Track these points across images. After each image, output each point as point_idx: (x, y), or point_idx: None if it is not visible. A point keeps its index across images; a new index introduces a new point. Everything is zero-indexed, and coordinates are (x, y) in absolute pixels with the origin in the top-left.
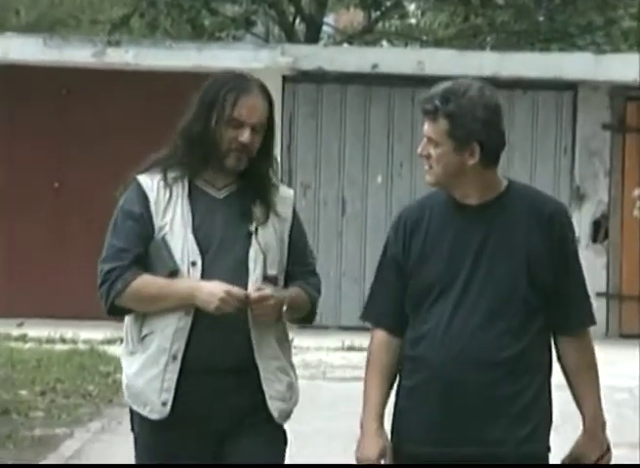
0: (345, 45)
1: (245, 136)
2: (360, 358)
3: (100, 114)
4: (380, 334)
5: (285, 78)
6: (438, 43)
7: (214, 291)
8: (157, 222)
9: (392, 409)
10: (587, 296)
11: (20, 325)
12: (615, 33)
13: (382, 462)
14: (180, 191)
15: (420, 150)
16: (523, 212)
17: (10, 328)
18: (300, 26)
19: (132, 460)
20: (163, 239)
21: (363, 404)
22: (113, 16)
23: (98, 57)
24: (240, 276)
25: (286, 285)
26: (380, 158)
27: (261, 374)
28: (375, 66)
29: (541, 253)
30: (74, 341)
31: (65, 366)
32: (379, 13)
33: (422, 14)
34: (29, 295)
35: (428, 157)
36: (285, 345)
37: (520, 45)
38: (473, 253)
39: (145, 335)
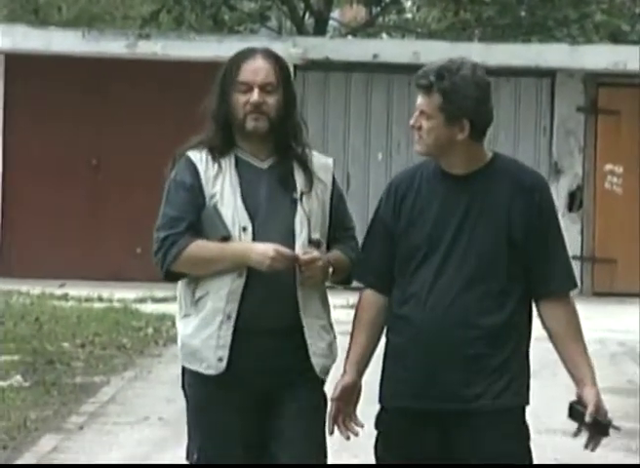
0: (349, 37)
1: (254, 96)
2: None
3: (131, 100)
4: (367, 293)
5: (296, 67)
6: (432, 35)
7: (266, 250)
8: (208, 191)
9: (381, 367)
10: (568, 261)
11: (62, 285)
12: (588, 26)
13: (350, 397)
14: (227, 163)
15: (412, 121)
16: (505, 182)
17: (53, 288)
18: (309, 21)
19: (160, 404)
20: (214, 207)
21: (346, 355)
22: (143, 12)
23: (130, 48)
24: (287, 240)
25: (328, 248)
26: (380, 137)
27: (306, 332)
28: (375, 56)
29: (522, 220)
30: (110, 300)
31: (102, 321)
32: (379, 8)
33: (418, 9)
34: (70, 260)
35: (419, 128)
36: (326, 306)
37: (504, 37)
38: (457, 220)
39: (199, 298)
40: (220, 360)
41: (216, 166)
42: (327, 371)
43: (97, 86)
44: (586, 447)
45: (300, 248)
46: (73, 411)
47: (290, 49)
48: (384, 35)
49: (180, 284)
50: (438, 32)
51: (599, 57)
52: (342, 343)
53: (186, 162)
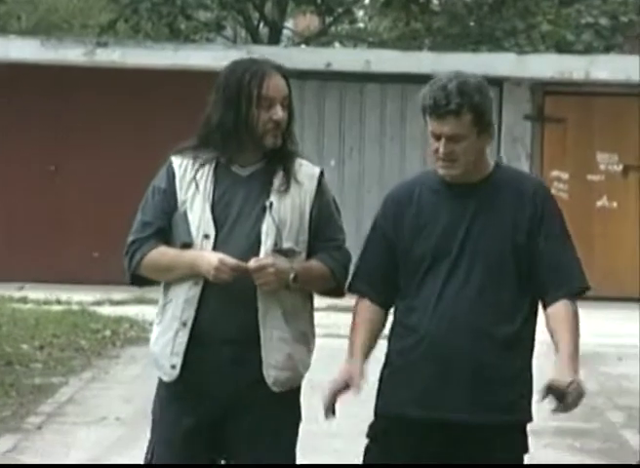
0: (303, 46)
1: (278, 113)
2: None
3: (89, 107)
4: (363, 301)
5: None
6: (383, 44)
7: (210, 260)
8: (180, 197)
9: (379, 375)
10: (577, 263)
11: (21, 288)
12: (535, 36)
13: (352, 384)
14: (207, 169)
15: (440, 150)
16: (509, 190)
17: (12, 291)
18: (263, 30)
19: (117, 405)
20: (184, 213)
21: (347, 351)
22: (101, 20)
23: (88, 56)
24: (253, 248)
25: (309, 258)
26: (332, 144)
27: (262, 343)
28: (328, 65)
29: (526, 228)
30: (68, 303)
31: (60, 324)
32: (331, 18)
33: (370, 19)
34: (29, 263)
35: (451, 154)
36: (295, 316)
37: (454, 46)
38: (463, 229)
39: (164, 305)
40: (174, 367)
41: (193, 172)
42: (282, 384)
43: (55, 93)
44: (553, 409)
45: (263, 256)
46: (31, 412)
47: (244, 57)
48: (337, 44)
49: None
50: (389, 41)
51: (545, 66)
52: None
53: (167, 167)
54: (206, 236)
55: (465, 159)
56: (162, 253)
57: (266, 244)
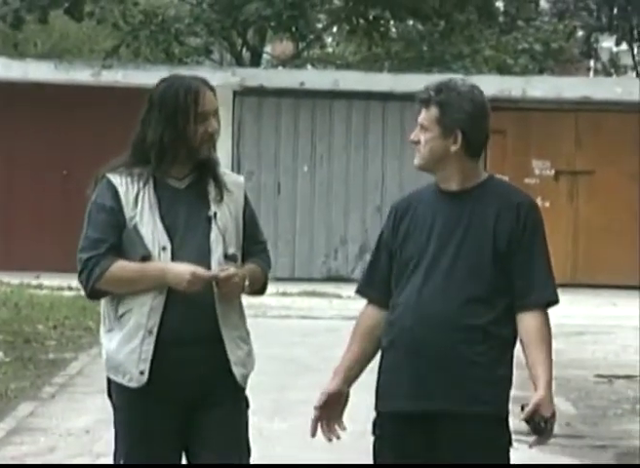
0: (280, 68)
1: (213, 125)
2: (289, 301)
3: (96, 120)
4: (368, 308)
5: (235, 93)
6: (349, 66)
7: (182, 273)
8: (127, 213)
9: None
10: (549, 277)
11: (37, 277)
12: (479, 60)
13: (335, 404)
14: (146, 185)
15: (411, 136)
16: (495, 200)
17: (30, 279)
18: (246, 54)
19: None
20: (135, 228)
21: (335, 368)
22: (106, 46)
23: (95, 77)
24: (204, 257)
25: (243, 260)
26: (305, 152)
27: (226, 343)
28: (302, 84)
29: (506, 233)
30: (78, 289)
31: (71, 307)
32: (304, 43)
33: (337, 44)
34: (45, 255)
35: (418, 143)
36: (242, 316)
37: (409, 68)
38: (447, 231)
39: (122, 314)
40: (142, 373)
41: (135, 188)
42: (246, 380)
43: (67, 108)
44: (530, 444)
45: (217, 264)
46: (47, 383)
47: (230, 77)
48: (309, 66)
49: (103, 301)
50: (354, 63)
51: (488, 85)
52: (273, 325)
53: (107, 185)
54: (163, 248)
55: (426, 152)
56: (122, 268)
57: (217, 251)
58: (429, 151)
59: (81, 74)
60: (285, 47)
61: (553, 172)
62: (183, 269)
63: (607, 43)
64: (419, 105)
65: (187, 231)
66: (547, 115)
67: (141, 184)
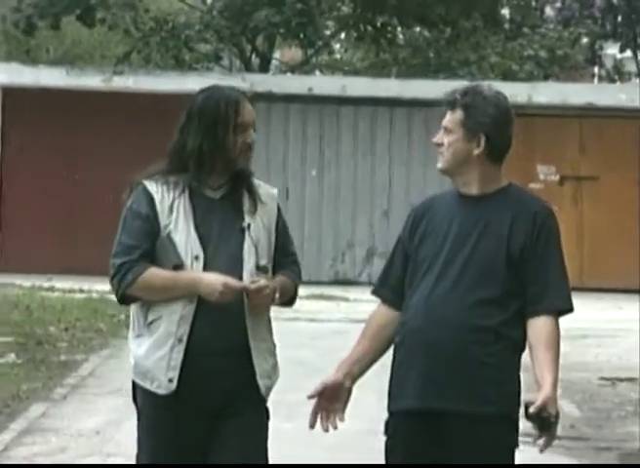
0: (289, 74)
1: (252, 136)
2: (298, 304)
3: (107, 126)
4: (381, 307)
5: None
6: (357, 72)
7: (214, 283)
8: (162, 221)
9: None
10: (563, 284)
11: (50, 279)
12: (484, 66)
13: (333, 395)
14: (182, 194)
15: (435, 139)
16: (513, 207)
17: (42, 281)
18: (255, 60)
19: (129, 379)
20: (168, 236)
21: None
22: (118, 52)
23: (106, 82)
24: (236, 267)
25: (273, 272)
26: (314, 157)
27: (253, 355)
28: (310, 89)
29: (521, 239)
30: (89, 292)
31: (83, 309)
32: (312, 50)
33: (345, 51)
34: (57, 258)
35: (441, 145)
36: (270, 328)
37: (416, 74)
38: (463, 235)
39: (152, 321)
40: (171, 381)
41: (171, 196)
42: (269, 392)
43: (79, 114)
44: (540, 449)
45: (248, 275)
46: (58, 384)
47: (239, 83)
48: (317, 72)
49: (133, 307)
50: (362, 70)
51: None
52: (285, 328)
53: (143, 192)
54: (196, 257)
55: (449, 154)
56: (155, 275)
57: (249, 263)
58: (452, 154)
59: (92, 80)
60: (294, 53)
61: (558, 177)
62: (215, 279)
63: (611, 50)
64: (444, 108)
65: (221, 241)
66: (552, 121)
67: (177, 193)
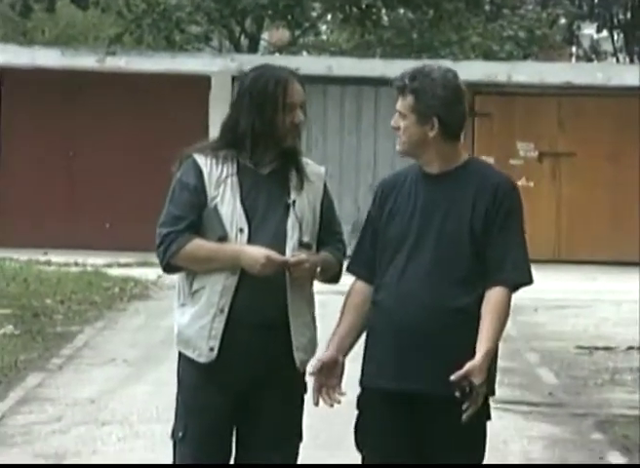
0: (277, 54)
1: (300, 117)
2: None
3: (100, 104)
4: (357, 284)
5: (233, 78)
6: (342, 53)
7: (256, 256)
8: (210, 193)
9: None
10: (521, 257)
11: (45, 253)
12: (466, 47)
13: (331, 371)
14: (230, 168)
15: (392, 122)
16: (474, 181)
17: (38, 255)
18: (244, 41)
19: (124, 349)
20: (215, 208)
21: (329, 339)
22: (111, 33)
23: (100, 63)
24: (280, 242)
25: (317, 250)
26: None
27: (292, 328)
28: (297, 69)
29: (483, 212)
30: (84, 265)
31: (78, 282)
32: (299, 31)
33: (331, 32)
34: (53, 232)
35: (398, 129)
36: (311, 303)
37: (400, 55)
38: (429, 214)
39: (196, 291)
40: (212, 349)
41: (219, 170)
42: (306, 365)
43: (73, 93)
44: (462, 417)
45: (291, 251)
46: (54, 355)
47: (228, 63)
48: (304, 53)
49: (179, 276)
50: (347, 50)
51: (475, 71)
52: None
53: (192, 164)
54: (240, 230)
55: (405, 138)
56: (199, 246)
57: (293, 238)
58: (408, 137)
59: (86, 60)
60: (281, 34)
61: (537, 153)
62: (258, 252)
63: (588, 30)
64: (397, 92)
65: (265, 216)
66: (531, 99)
67: (226, 167)
